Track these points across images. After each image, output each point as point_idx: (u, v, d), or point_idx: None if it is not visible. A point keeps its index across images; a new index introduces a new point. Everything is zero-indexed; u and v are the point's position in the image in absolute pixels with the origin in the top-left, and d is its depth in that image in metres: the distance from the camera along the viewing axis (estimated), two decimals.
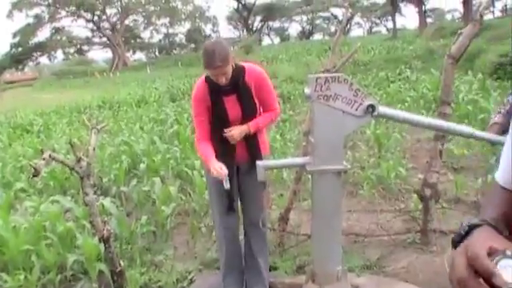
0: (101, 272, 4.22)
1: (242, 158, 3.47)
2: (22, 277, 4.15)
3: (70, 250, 4.49)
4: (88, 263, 4.21)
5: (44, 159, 3.25)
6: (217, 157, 3.33)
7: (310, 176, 5.32)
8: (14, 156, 9.65)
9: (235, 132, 3.35)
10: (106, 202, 5.09)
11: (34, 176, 3.17)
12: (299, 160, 3.07)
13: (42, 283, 4.23)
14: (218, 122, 3.40)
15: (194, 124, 3.63)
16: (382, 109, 2.65)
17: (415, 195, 4.88)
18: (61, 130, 13.52)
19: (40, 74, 65.67)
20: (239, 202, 3.66)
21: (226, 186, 3.19)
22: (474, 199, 5.26)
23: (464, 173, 6.20)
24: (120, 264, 3.66)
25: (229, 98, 3.33)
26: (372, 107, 2.58)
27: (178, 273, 4.25)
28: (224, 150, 3.40)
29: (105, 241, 3.57)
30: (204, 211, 5.43)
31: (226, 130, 3.37)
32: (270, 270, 4.11)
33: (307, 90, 2.60)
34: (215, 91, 3.30)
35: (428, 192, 4.26)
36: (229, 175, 3.23)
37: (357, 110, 2.59)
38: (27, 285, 4.14)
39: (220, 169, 3.18)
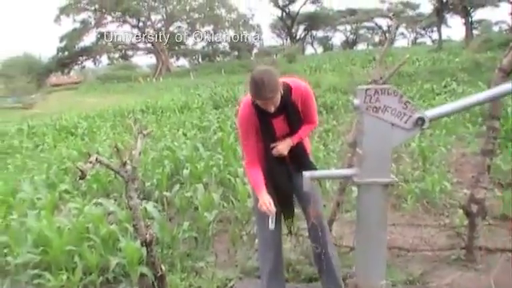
0: (141, 276, 4.26)
1: (291, 164, 3.47)
2: (64, 277, 4.24)
3: (112, 253, 4.54)
4: (130, 266, 4.25)
5: (91, 162, 3.28)
6: (268, 174, 3.39)
7: (352, 187, 5.35)
8: (59, 158, 9.86)
9: (282, 147, 3.37)
10: (149, 206, 5.13)
11: (80, 178, 3.21)
12: (346, 171, 3.04)
13: (84, 284, 4.30)
14: (265, 139, 3.40)
15: (241, 146, 3.61)
16: (430, 113, 2.60)
17: (460, 211, 4.78)
18: (105, 133, 13.76)
19: (85, 78, 66.87)
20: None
21: (271, 226, 3.16)
22: None
23: (511, 189, 6.03)
24: (161, 268, 3.68)
25: (277, 119, 3.31)
26: (421, 120, 2.54)
27: (219, 280, 4.25)
28: (276, 163, 3.41)
29: (147, 245, 3.59)
30: (246, 219, 5.43)
31: (272, 146, 3.38)
32: (311, 282, 4.10)
33: (356, 101, 2.57)
34: (263, 114, 3.26)
35: (474, 208, 4.17)
36: (283, 187, 3.26)
37: (406, 122, 2.55)
38: (69, 285, 4.22)
39: (269, 205, 3.17)
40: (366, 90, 2.54)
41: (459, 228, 4.70)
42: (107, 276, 4.35)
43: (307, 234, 3.78)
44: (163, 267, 3.70)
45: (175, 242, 4.86)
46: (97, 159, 3.36)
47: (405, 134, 2.58)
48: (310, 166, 3.40)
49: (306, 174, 2.72)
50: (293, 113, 3.32)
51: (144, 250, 3.89)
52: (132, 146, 3.85)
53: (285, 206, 3.52)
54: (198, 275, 4.39)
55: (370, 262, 2.75)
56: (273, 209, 3.16)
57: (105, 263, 4.43)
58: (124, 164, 3.59)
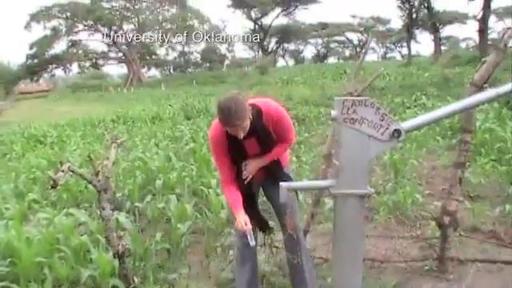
0: (113, 287, 4.19)
1: (265, 175, 3.47)
2: None
3: (83, 264, 4.45)
4: (101, 278, 4.16)
5: (63, 171, 3.23)
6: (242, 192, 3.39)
7: (326, 199, 5.36)
8: (28, 167, 9.68)
9: (251, 167, 3.40)
10: (121, 217, 5.06)
11: (52, 187, 3.16)
12: (323, 183, 3.02)
13: None
14: (236, 160, 3.41)
15: (215, 165, 3.60)
16: (405, 125, 2.62)
17: (432, 222, 4.84)
18: (75, 142, 13.57)
19: (54, 86, 66.11)
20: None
21: (252, 243, 3.21)
22: (492, 228, 5.19)
23: (480, 201, 6.10)
24: (134, 280, 3.63)
25: (248, 141, 3.28)
26: (398, 132, 2.55)
27: None
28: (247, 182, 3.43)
29: (119, 256, 3.55)
30: (219, 230, 5.40)
31: (242, 165, 3.40)
32: None
33: (334, 112, 2.56)
34: (233, 136, 3.21)
35: (447, 220, 4.21)
36: (253, 199, 3.28)
37: (383, 134, 2.55)
38: None
39: (245, 224, 3.18)
40: (344, 101, 2.53)
41: (431, 239, 4.75)
42: None
43: (281, 245, 3.78)
44: (135, 279, 3.65)
45: (148, 254, 4.79)
46: (69, 168, 3.32)
47: (381, 145, 2.58)
48: (287, 179, 3.39)
49: (283, 184, 2.69)
50: (264, 135, 3.31)
51: (116, 262, 3.84)
52: (104, 155, 3.80)
53: (258, 222, 3.52)
54: (171, 287, 4.34)
55: (347, 273, 2.73)
56: (249, 227, 3.17)
57: (76, 275, 4.33)
58: (97, 173, 3.55)
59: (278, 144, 3.43)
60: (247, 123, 3.07)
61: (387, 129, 2.56)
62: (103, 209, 3.56)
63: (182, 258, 4.99)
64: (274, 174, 3.46)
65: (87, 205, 6.61)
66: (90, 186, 6.50)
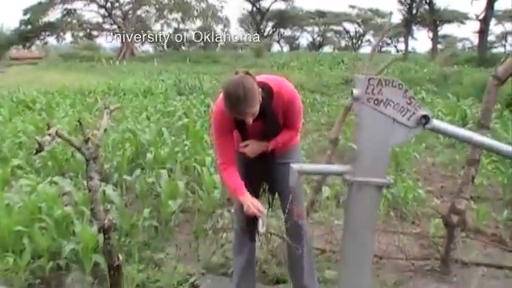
0: (95, 264, 3.92)
1: (271, 157, 3.18)
2: (11, 260, 3.86)
3: (65, 237, 4.16)
4: (83, 253, 3.89)
5: (50, 135, 2.96)
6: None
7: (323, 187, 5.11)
8: (14, 131, 9.33)
9: (251, 149, 3.10)
10: (109, 189, 4.78)
11: (37, 151, 2.90)
12: (338, 167, 2.72)
13: (32, 268, 3.94)
14: (238, 141, 3.14)
15: (215, 146, 3.29)
16: (435, 122, 2.36)
17: (434, 220, 4.63)
18: (63, 110, 13.18)
19: (46, 54, 65.26)
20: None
21: (262, 229, 2.86)
22: (495, 232, 4.99)
23: (481, 203, 5.89)
24: (118, 258, 3.36)
25: (253, 123, 2.91)
26: (426, 118, 2.29)
27: (180, 274, 3.94)
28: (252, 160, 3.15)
29: (105, 231, 3.27)
30: (211, 211, 5.12)
31: (241, 144, 3.11)
32: (278, 283, 3.86)
33: (356, 91, 2.30)
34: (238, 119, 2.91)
35: (455, 219, 3.98)
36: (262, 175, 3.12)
37: (409, 119, 2.30)
38: (15, 269, 3.86)
39: (257, 207, 2.87)
40: (369, 79, 2.28)
41: (433, 238, 4.53)
42: (58, 262, 3.99)
43: (276, 231, 3.52)
44: (120, 256, 3.37)
45: (134, 230, 4.53)
46: (57, 132, 3.04)
47: (406, 132, 2.33)
48: (296, 161, 3.11)
49: (295, 166, 2.42)
50: (271, 120, 3.01)
51: (101, 237, 3.56)
52: (96, 122, 3.52)
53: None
54: (157, 267, 4.08)
55: (357, 268, 2.50)
56: (262, 209, 2.87)
57: (56, 248, 4.06)
58: (86, 141, 3.27)
59: (283, 130, 3.13)
60: (257, 108, 2.77)
61: (414, 113, 2.32)
62: (91, 179, 3.27)
63: (170, 237, 4.74)
64: (282, 154, 3.18)
65: (73, 174, 6.30)
66: (77, 155, 6.22)
